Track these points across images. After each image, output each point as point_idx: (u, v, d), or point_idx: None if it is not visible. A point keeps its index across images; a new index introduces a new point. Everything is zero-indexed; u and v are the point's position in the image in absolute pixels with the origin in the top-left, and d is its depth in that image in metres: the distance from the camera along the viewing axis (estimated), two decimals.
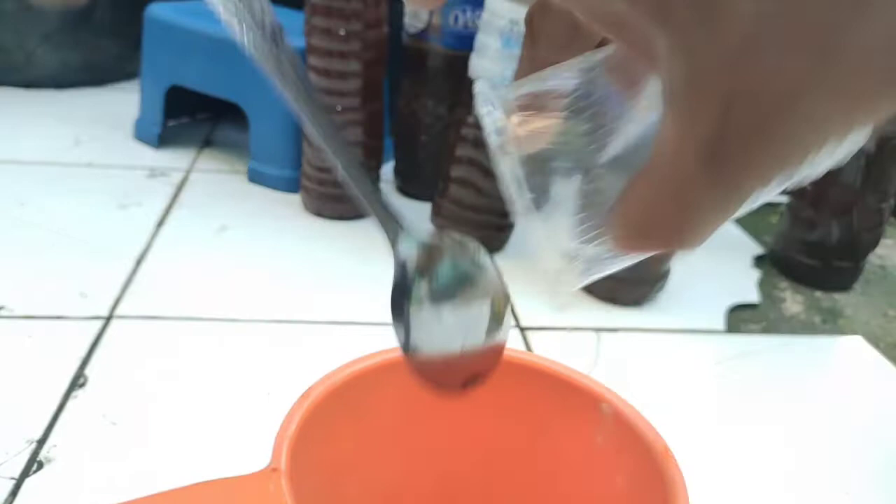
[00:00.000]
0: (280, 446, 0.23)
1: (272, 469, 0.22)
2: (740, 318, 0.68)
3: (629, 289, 0.66)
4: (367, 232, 0.75)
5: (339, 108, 0.71)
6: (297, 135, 0.77)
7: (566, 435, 0.30)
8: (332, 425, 0.27)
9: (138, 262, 0.64)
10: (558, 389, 0.30)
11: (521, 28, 0.69)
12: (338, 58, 0.70)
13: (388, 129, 0.83)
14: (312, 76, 0.71)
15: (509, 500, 0.33)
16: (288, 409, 0.25)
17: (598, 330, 0.63)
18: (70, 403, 0.47)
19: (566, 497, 0.31)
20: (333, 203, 0.75)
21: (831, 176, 0.71)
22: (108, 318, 0.56)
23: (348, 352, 0.31)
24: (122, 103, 1.03)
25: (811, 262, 0.75)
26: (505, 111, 0.19)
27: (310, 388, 0.26)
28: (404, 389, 0.28)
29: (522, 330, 0.61)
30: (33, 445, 0.44)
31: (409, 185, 0.85)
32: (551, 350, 0.59)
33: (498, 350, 0.24)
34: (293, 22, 0.88)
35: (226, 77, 0.82)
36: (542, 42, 0.24)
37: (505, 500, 0.33)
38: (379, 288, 0.72)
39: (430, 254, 0.24)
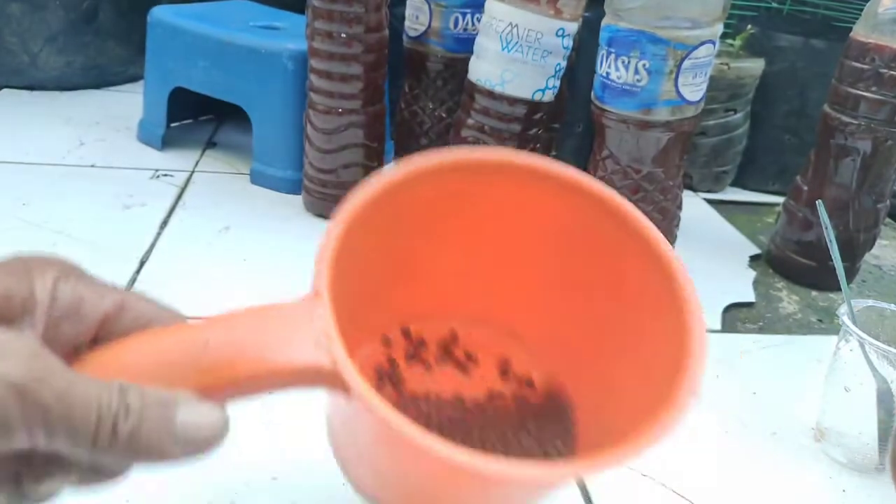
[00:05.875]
0: (321, 272, 0.24)
1: (315, 294, 0.24)
2: (737, 318, 0.69)
3: None
4: None
5: (339, 110, 0.72)
6: (299, 137, 0.78)
7: (585, 242, 0.32)
8: (365, 244, 0.28)
9: (142, 263, 0.65)
10: (581, 199, 0.31)
11: (520, 31, 0.70)
12: (339, 61, 0.70)
13: (389, 130, 0.84)
14: (314, 79, 0.72)
15: (531, 301, 0.34)
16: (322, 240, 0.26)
17: None
18: None
19: (582, 290, 0.33)
20: (335, 204, 0.76)
21: (827, 176, 0.72)
22: None
23: None
24: (125, 105, 1.04)
25: (807, 262, 0.76)
26: None
27: (343, 208, 0.27)
28: (430, 198, 0.30)
29: None
30: None
31: None
32: None
33: None
34: (295, 25, 0.89)
35: (229, 79, 0.82)
36: None
37: (527, 300, 0.34)
38: None
39: None
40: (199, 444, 0.22)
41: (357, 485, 0.30)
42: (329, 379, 0.23)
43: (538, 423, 0.33)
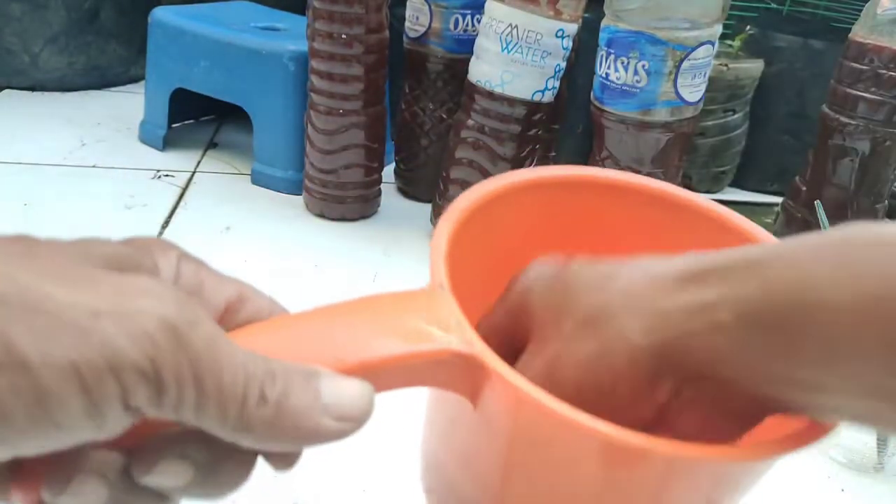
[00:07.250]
0: (437, 267, 0.24)
1: (437, 285, 0.24)
2: None
3: None
4: (368, 233, 0.76)
5: (340, 111, 0.72)
6: (300, 137, 0.78)
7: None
8: (473, 241, 0.28)
9: None
10: (697, 222, 0.31)
11: (520, 32, 0.69)
12: (340, 61, 0.71)
13: (390, 131, 0.84)
14: (315, 79, 0.72)
15: None
16: (433, 236, 0.26)
17: None
18: None
19: None
20: (335, 204, 0.76)
21: (826, 177, 0.73)
22: None
23: None
24: (127, 106, 1.04)
25: None
26: None
27: (452, 207, 0.27)
28: (535, 207, 0.31)
29: None
30: None
31: (410, 187, 0.86)
32: None
33: None
34: (296, 26, 0.89)
35: (230, 80, 0.83)
36: None
37: None
38: (379, 287, 0.73)
39: None
40: (348, 416, 0.20)
41: None
42: (464, 364, 0.22)
43: None
